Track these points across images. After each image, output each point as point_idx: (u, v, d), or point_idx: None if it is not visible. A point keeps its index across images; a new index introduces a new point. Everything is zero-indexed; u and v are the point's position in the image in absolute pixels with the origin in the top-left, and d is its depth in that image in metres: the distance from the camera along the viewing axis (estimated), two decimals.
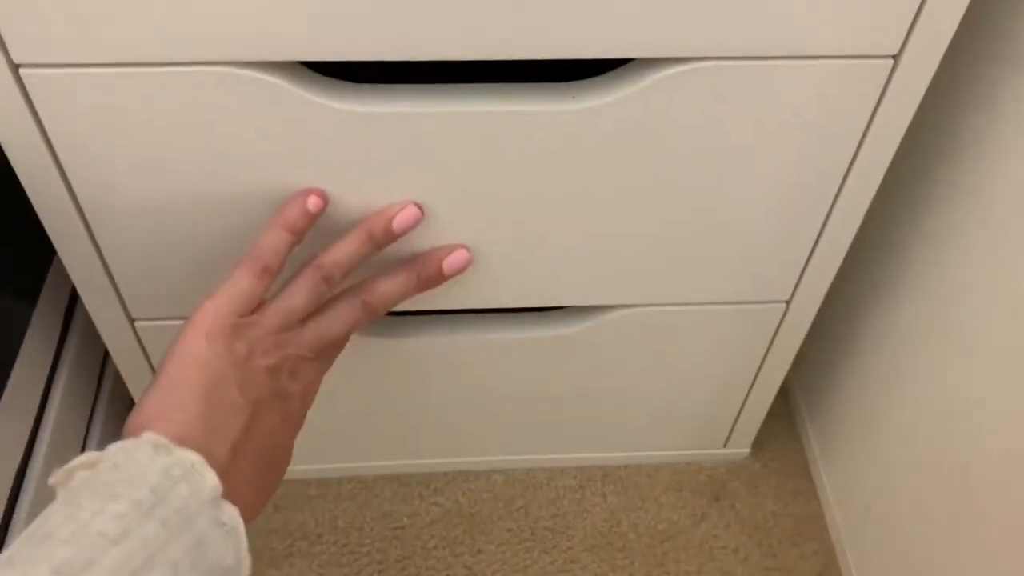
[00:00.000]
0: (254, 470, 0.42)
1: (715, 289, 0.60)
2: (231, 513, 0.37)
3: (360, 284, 0.51)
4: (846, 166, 0.52)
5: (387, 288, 0.51)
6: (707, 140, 0.50)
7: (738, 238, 0.56)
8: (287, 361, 0.45)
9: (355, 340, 0.52)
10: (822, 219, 0.56)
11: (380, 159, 0.49)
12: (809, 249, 0.58)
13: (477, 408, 0.71)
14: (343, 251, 0.49)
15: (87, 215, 0.51)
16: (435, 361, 0.65)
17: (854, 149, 0.51)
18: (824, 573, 0.73)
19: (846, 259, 0.59)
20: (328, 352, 0.49)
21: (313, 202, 0.48)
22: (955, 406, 0.58)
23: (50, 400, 0.65)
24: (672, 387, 0.70)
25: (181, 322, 0.44)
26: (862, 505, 0.71)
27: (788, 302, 0.62)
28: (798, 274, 0.59)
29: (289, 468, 0.46)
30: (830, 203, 0.55)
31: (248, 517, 0.38)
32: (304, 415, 0.48)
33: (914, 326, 0.62)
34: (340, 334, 0.49)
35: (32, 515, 0.56)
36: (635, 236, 0.56)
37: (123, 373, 0.64)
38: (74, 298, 0.70)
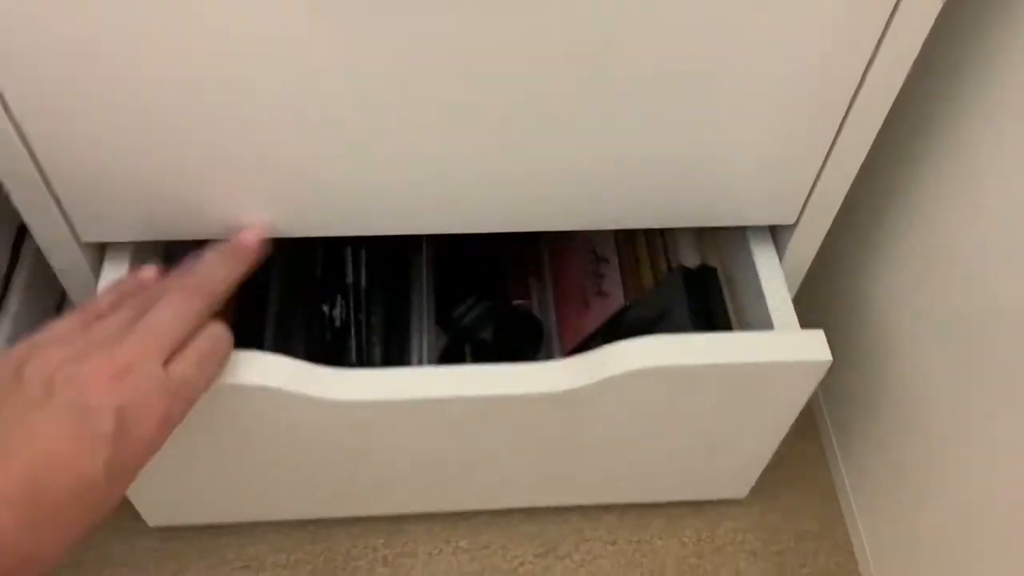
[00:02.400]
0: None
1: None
2: None
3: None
4: (856, 83, 0.48)
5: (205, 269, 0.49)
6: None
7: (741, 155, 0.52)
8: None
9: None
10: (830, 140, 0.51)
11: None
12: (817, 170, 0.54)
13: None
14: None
15: (20, 125, 0.46)
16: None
17: (864, 64, 0.47)
18: None
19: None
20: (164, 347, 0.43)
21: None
22: None
23: None
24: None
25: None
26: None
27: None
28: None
29: None
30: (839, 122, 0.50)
31: None
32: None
33: None
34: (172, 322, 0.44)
35: None
36: (625, 154, 0.51)
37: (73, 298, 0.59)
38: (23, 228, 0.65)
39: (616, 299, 0.68)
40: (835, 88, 0.49)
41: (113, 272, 0.56)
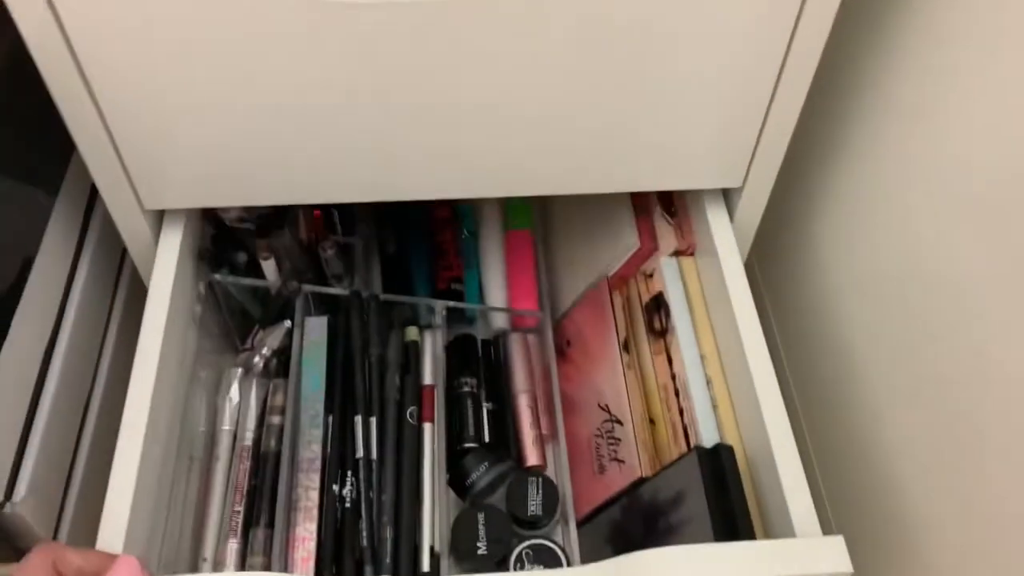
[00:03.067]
0: None
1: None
2: None
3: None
4: (784, 47, 0.56)
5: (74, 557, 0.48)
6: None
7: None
8: None
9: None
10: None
11: None
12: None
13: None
14: None
15: (98, 100, 0.55)
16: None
17: (791, 29, 0.55)
18: None
19: None
20: None
21: None
22: None
23: (71, 293, 0.70)
24: None
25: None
26: None
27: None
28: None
29: None
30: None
31: None
32: None
33: None
34: None
35: (55, 407, 0.65)
36: (583, 120, 0.59)
37: (138, 265, 0.68)
38: (94, 195, 0.75)
39: (631, 467, 0.67)
40: (766, 52, 0.56)
41: (171, 239, 0.66)
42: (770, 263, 0.87)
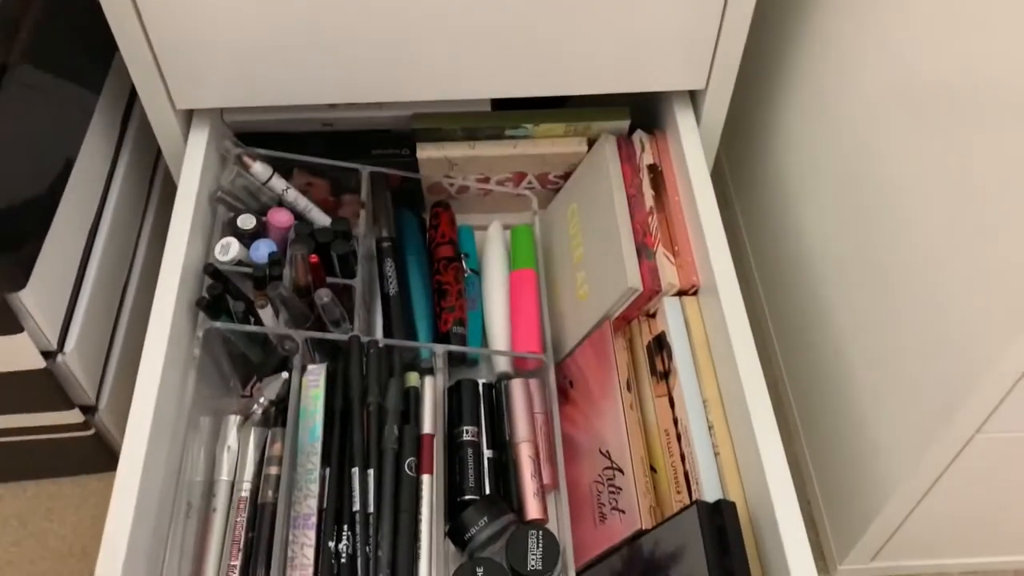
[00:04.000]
0: None
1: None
2: None
3: None
4: None
5: None
6: None
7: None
8: None
9: None
10: None
11: None
12: None
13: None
14: None
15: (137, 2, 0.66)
16: None
17: None
18: None
19: None
20: None
21: None
22: None
23: (110, 189, 0.81)
24: None
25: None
26: None
27: None
28: None
29: None
30: None
31: None
32: None
33: None
34: None
35: (98, 281, 0.76)
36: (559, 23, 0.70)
37: (170, 165, 0.78)
38: (131, 101, 0.87)
39: (632, 518, 0.66)
40: None
41: (198, 139, 0.76)
42: (738, 171, 1.00)
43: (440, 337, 0.78)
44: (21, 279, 0.60)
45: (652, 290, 0.72)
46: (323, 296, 0.70)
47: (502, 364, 0.80)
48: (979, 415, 0.58)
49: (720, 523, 0.59)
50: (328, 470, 0.66)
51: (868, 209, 0.72)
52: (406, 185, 0.87)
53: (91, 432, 0.74)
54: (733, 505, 0.60)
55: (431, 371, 0.75)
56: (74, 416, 0.71)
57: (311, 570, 0.62)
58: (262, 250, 0.73)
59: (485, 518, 0.68)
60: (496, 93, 0.77)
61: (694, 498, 0.64)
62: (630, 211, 0.77)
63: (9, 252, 0.61)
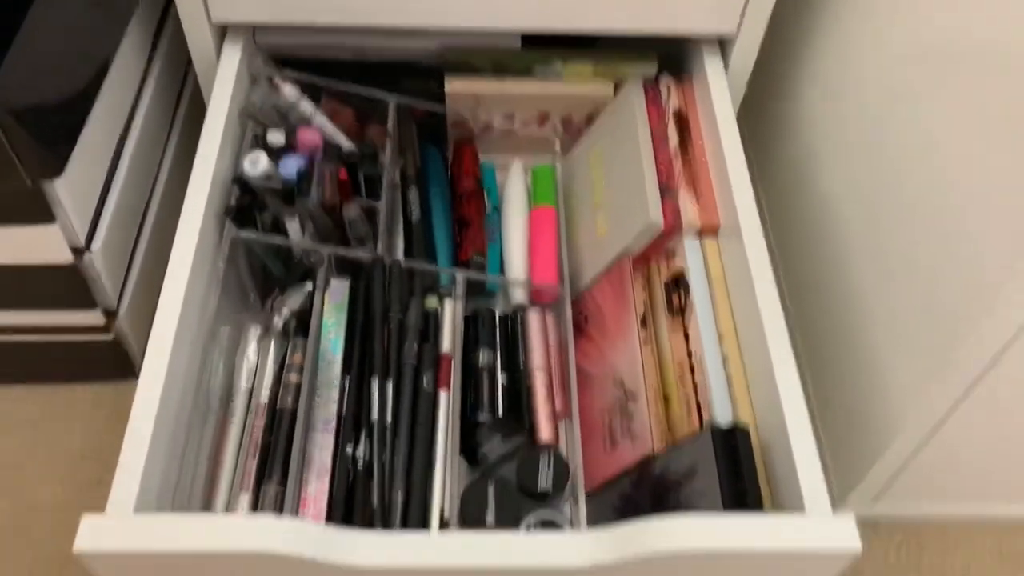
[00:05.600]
0: None
1: None
2: None
3: None
4: None
5: None
6: None
7: None
8: None
9: None
10: None
11: None
12: None
13: None
14: None
15: None
16: None
17: None
18: None
19: None
20: None
21: None
22: None
23: (141, 98, 0.81)
24: None
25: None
26: None
27: None
28: None
29: None
30: None
31: None
32: None
33: None
34: None
35: (122, 199, 0.75)
36: None
37: (201, 80, 0.79)
38: (167, 10, 0.88)
39: (644, 442, 0.67)
40: None
41: (231, 56, 0.76)
42: (757, 123, 1.00)
43: (461, 265, 0.79)
44: (58, 167, 0.61)
45: (673, 227, 0.74)
46: (352, 211, 0.71)
47: (518, 296, 0.81)
48: (989, 351, 0.60)
49: (734, 445, 0.60)
50: (348, 379, 0.67)
51: (884, 145, 0.73)
52: (430, 122, 0.88)
53: (110, 337, 0.74)
54: (747, 432, 0.62)
55: (450, 297, 0.76)
56: (96, 318, 0.72)
57: (328, 473, 0.63)
58: (291, 165, 0.74)
59: (498, 437, 0.69)
60: (525, 26, 0.77)
61: (705, 426, 0.66)
62: (654, 153, 0.78)
63: (49, 140, 0.61)
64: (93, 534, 0.50)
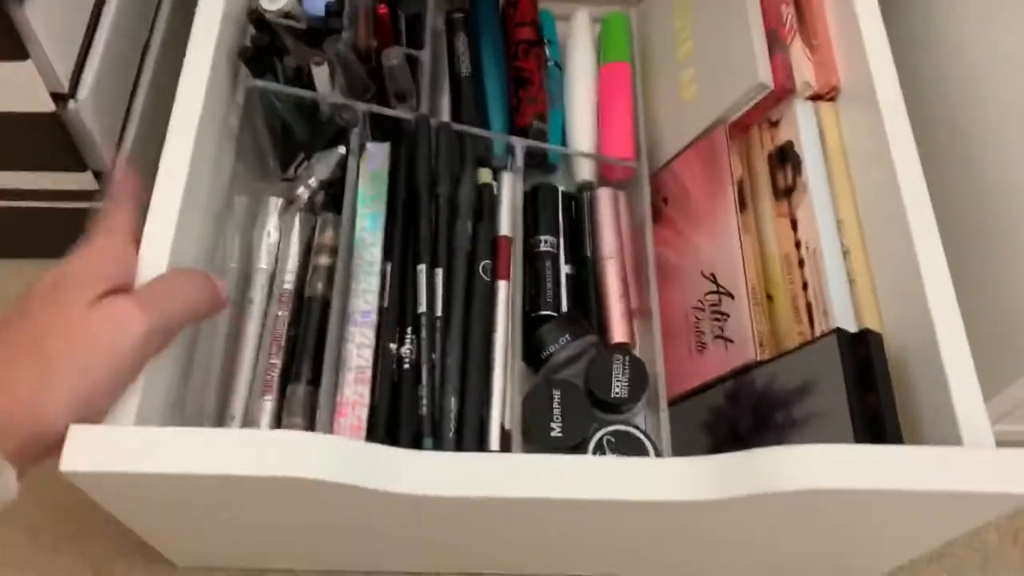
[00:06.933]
0: None
1: None
2: None
3: None
4: None
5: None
6: None
7: None
8: None
9: None
10: None
11: None
12: None
13: None
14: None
15: None
16: None
17: None
18: None
19: None
20: None
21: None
22: None
23: None
24: None
25: None
26: None
27: None
28: None
29: None
30: None
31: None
32: None
33: None
34: None
35: (112, 40, 0.60)
36: None
37: None
38: None
39: (742, 347, 0.56)
40: None
41: None
42: None
43: (518, 132, 0.66)
44: None
45: (784, 89, 0.60)
46: (392, 57, 0.57)
47: (585, 172, 0.69)
48: None
49: (866, 355, 0.49)
50: (390, 265, 0.56)
51: None
52: None
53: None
54: (880, 337, 0.51)
55: (505, 169, 0.64)
56: (86, 181, 0.60)
57: (369, 372, 0.53)
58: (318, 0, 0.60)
59: (566, 336, 0.59)
60: None
61: (820, 330, 0.55)
62: None
63: None
64: (84, 450, 0.40)
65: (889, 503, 0.43)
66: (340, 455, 0.41)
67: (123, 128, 0.63)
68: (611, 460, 0.45)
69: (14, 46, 0.50)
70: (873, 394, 0.48)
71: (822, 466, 0.41)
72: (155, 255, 0.47)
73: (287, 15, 0.60)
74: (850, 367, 0.49)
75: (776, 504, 0.43)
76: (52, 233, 0.66)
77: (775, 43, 0.61)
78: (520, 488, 0.42)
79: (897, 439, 0.47)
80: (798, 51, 0.61)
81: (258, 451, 0.40)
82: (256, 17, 0.59)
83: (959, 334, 0.47)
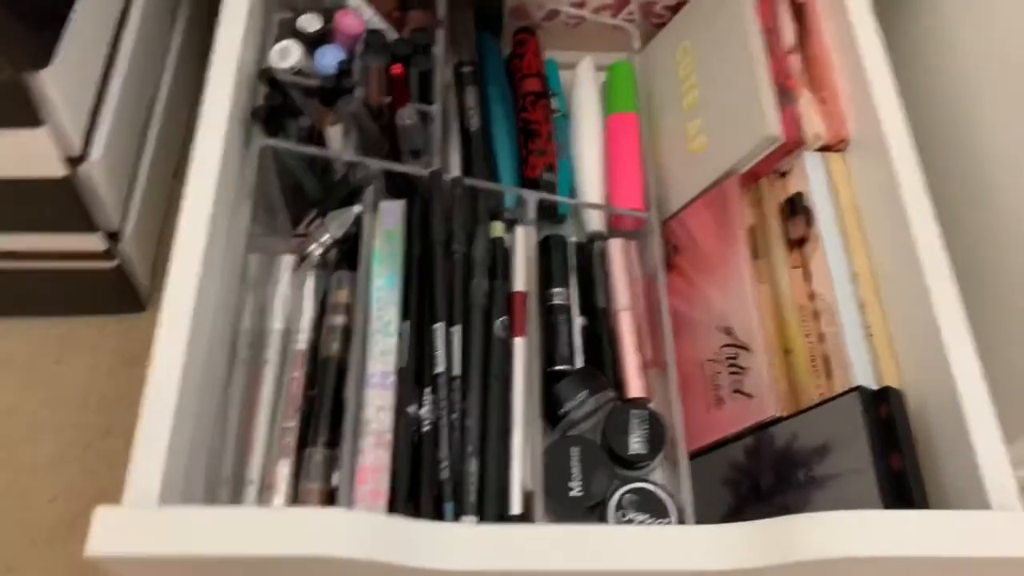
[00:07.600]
0: None
1: None
2: None
3: None
4: None
5: None
6: None
7: None
8: None
9: None
10: None
11: None
12: None
13: None
14: None
15: None
16: None
17: None
18: None
19: None
20: None
21: None
22: None
23: None
24: None
25: None
26: None
27: None
28: None
29: None
30: None
31: None
32: None
33: None
34: None
35: (123, 99, 0.60)
36: None
37: None
38: None
39: (761, 403, 0.56)
40: None
41: None
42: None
43: (528, 183, 0.66)
44: (44, 56, 0.47)
45: (794, 142, 0.61)
46: (407, 117, 0.57)
47: (594, 223, 0.69)
48: None
49: (888, 414, 0.50)
50: (407, 324, 0.56)
51: None
52: (485, 10, 0.74)
53: (114, 263, 0.62)
54: (901, 395, 0.51)
55: (516, 222, 0.63)
56: (96, 242, 0.60)
57: (389, 436, 0.52)
58: (329, 57, 0.60)
59: (585, 392, 0.58)
60: None
61: (839, 383, 0.55)
62: (767, 48, 0.64)
63: (32, 22, 0.48)
64: (110, 533, 0.39)
65: (920, 568, 0.43)
66: (369, 532, 0.40)
67: (131, 184, 0.63)
68: (643, 530, 0.45)
69: (29, 115, 0.49)
70: (896, 453, 0.48)
71: (859, 534, 0.41)
72: (174, 325, 0.46)
73: (298, 72, 0.60)
74: (873, 427, 0.49)
75: (809, 571, 0.43)
76: (60, 293, 0.65)
77: (783, 95, 0.62)
78: (552, 561, 0.41)
79: (922, 499, 0.47)
80: (807, 102, 0.62)
81: (286, 530, 0.40)
82: (268, 76, 0.58)
83: (981, 391, 0.48)
